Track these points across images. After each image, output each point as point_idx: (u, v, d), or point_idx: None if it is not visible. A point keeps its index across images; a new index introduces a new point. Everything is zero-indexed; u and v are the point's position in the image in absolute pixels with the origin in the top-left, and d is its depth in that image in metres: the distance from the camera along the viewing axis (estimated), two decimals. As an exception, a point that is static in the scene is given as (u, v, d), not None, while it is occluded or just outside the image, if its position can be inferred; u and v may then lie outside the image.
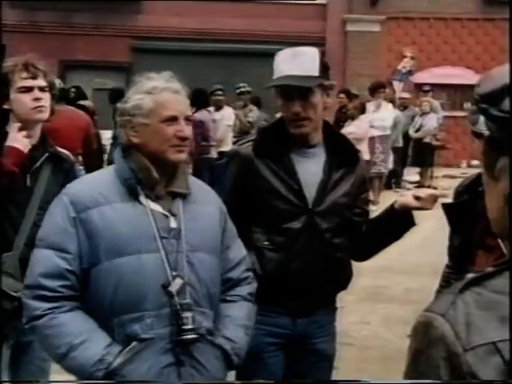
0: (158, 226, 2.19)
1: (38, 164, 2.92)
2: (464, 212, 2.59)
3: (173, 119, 2.21)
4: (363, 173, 2.85)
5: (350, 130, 9.86)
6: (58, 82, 6.78)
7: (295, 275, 2.65)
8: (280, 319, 2.72)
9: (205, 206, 2.34)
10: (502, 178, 1.04)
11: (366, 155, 10.19)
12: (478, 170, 2.63)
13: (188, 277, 2.20)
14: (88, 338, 2.11)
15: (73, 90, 8.28)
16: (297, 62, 2.59)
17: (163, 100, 2.21)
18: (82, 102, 7.85)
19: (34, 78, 2.93)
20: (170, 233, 2.21)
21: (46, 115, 2.98)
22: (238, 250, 2.45)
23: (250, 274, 2.47)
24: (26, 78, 2.91)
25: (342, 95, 10.76)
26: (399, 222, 2.70)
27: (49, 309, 2.12)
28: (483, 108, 1.04)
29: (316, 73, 2.61)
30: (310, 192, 2.67)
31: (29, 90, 2.92)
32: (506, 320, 0.97)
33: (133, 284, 2.14)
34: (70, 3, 15.68)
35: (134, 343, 2.12)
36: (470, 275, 1.11)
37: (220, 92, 10.09)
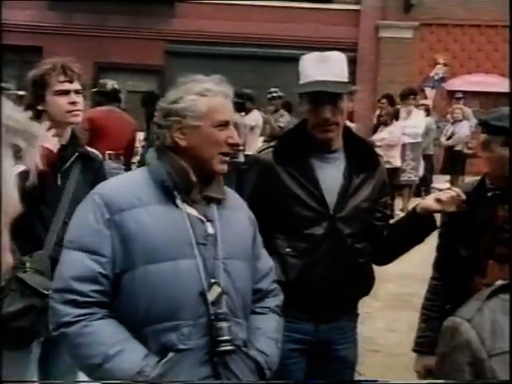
0: (195, 232, 2.08)
1: (68, 164, 2.96)
2: (468, 221, 2.53)
3: (225, 124, 2.14)
4: (383, 177, 2.83)
5: (382, 135, 9.80)
6: (111, 83, 6.84)
7: (318, 281, 2.64)
8: (303, 325, 2.71)
9: (238, 212, 2.27)
10: None
11: (398, 162, 10.12)
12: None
13: (225, 285, 2.09)
14: (124, 349, 1.98)
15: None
16: (327, 67, 2.58)
17: (217, 103, 2.14)
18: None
19: (71, 81, 2.97)
20: (206, 239, 2.10)
21: (80, 118, 3.03)
22: (267, 261, 2.38)
23: (277, 285, 2.40)
24: (63, 82, 2.95)
25: (384, 101, 10.67)
26: (420, 225, 2.67)
27: (80, 315, 1.99)
28: None
29: (346, 78, 2.61)
30: (331, 197, 2.65)
31: (65, 93, 2.95)
32: None
33: (170, 292, 2.02)
34: (105, 6, 15.83)
35: (170, 354, 2.00)
36: (499, 282, 1.10)
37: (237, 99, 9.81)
